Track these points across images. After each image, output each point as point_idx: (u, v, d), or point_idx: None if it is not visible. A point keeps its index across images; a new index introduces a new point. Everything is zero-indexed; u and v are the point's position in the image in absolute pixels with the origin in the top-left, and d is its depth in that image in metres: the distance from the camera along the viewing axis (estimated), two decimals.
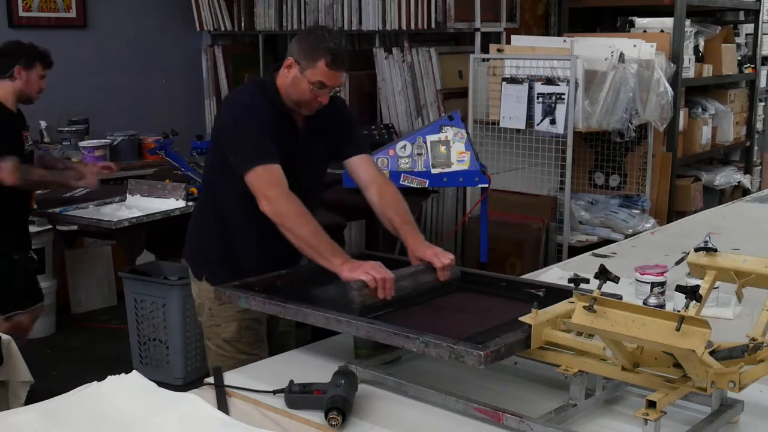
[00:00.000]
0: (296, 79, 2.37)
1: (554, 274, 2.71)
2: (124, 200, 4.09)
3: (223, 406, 1.79)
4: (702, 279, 1.78)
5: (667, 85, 4.69)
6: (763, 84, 6.61)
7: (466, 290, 2.26)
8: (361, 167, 2.54)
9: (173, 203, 3.97)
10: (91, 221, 3.85)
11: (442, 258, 2.22)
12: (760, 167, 6.63)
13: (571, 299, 1.76)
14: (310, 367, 2.01)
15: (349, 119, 2.63)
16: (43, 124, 5.26)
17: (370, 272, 2.07)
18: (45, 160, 3.99)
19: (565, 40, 4.59)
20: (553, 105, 4.32)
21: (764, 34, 6.35)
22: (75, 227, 4.08)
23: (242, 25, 5.88)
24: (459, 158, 3.90)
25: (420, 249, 2.29)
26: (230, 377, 1.96)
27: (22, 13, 5.32)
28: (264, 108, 2.39)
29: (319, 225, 2.26)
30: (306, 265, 2.41)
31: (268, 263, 2.37)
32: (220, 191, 2.49)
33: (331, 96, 2.50)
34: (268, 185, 2.29)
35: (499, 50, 4.67)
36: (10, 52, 3.62)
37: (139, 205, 4.01)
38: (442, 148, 3.90)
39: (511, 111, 4.46)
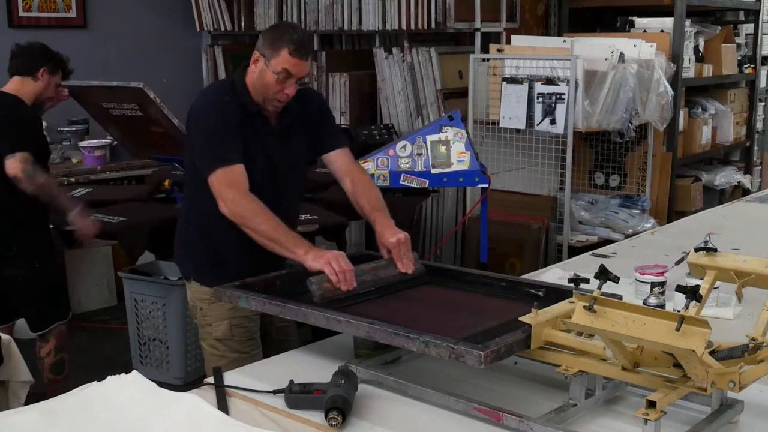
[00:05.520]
0: (262, 72, 2.43)
1: (554, 274, 2.71)
2: None
3: (223, 406, 1.79)
4: (702, 279, 1.78)
5: (667, 85, 4.69)
6: (763, 84, 6.61)
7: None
8: (337, 160, 2.58)
9: None
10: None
11: (404, 257, 2.27)
12: (760, 167, 6.63)
13: (571, 299, 1.76)
14: (310, 367, 2.01)
15: (326, 113, 2.66)
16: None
17: (331, 263, 2.12)
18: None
19: (565, 40, 4.59)
20: (553, 105, 4.32)
21: (764, 34, 6.36)
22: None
23: (242, 25, 5.88)
24: (459, 158, 3.89)
25: (386, 235, 2.32)
26: (230, 377, 1.96)
27: (22, 13, 5.32)
28: (228, 107, 2.42)
29: (278, 219, 2.30)
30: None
31: (251, 262, 2.35)
32: (200, 194, 2.46)
33: (306, 89, 2.55)
34: (225, 187, 2.33)
35: (499, 50, 4.67)
36: (38, 52, 3.57)
37: None
38: (442, 148, 3.90)
39: (511, 111, 4.46)
